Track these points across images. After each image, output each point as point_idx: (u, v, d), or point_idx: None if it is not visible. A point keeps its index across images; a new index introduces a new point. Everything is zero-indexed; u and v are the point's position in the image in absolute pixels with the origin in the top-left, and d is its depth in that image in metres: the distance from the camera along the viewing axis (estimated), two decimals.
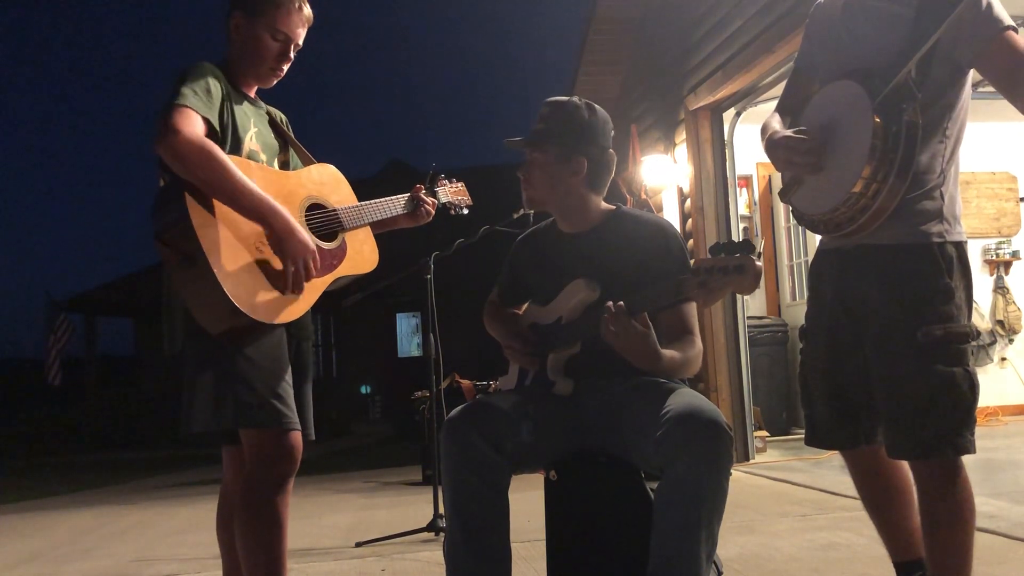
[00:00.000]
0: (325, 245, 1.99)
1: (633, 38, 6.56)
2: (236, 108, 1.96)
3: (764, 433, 5.59)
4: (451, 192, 2.45)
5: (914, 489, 1.77)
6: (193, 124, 1.78)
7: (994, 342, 6.38)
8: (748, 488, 4.31)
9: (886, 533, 1.89)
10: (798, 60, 1.99)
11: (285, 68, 2.06)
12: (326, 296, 2.00)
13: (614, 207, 2.09)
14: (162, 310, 1.98)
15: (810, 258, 3.56)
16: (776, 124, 1.89)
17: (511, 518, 1.84)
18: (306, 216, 1.99)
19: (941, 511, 1.70)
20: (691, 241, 5.46)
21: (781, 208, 6.89)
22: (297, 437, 1.94)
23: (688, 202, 5.62)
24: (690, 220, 5.56)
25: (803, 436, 1.97)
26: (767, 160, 1.87)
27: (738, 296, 5.13)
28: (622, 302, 1.74)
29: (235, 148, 1.93)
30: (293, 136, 2.19)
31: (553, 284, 2.03)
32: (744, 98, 5.22)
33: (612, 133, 2.07)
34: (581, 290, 1.95)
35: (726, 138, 5.46)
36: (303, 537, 3.80)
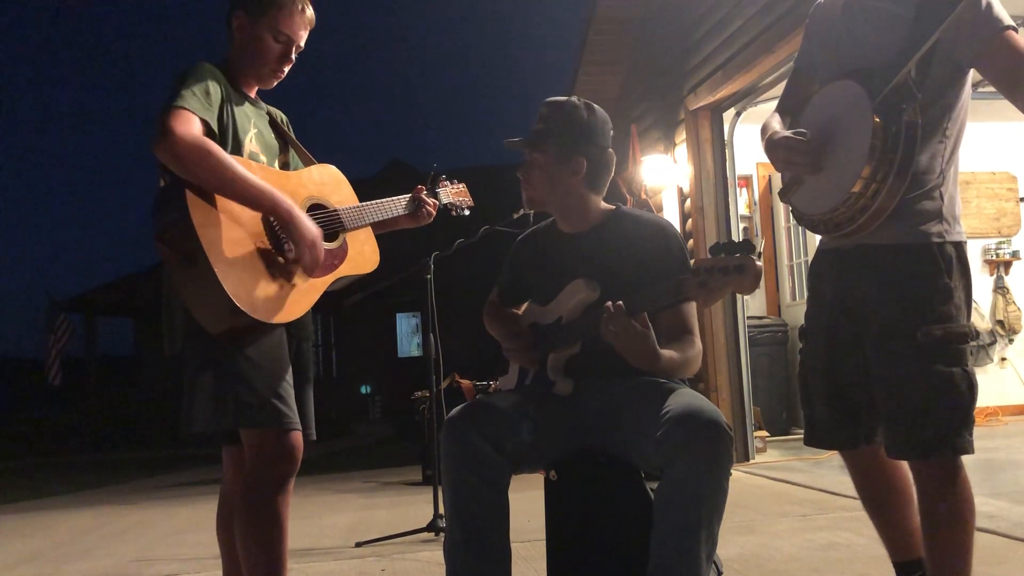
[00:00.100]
0: (326, 245, 1.98)
1: (633, 38, 6.56)
2: (236, 110, 1.96)
3: (764, 433, 5.60)
4: (452, 193, 2.45)
5: (914, 489, 1.77)
6: (190, 125, 1.78)
7: (994, 342, 6.38)
8: (748, 488, 4.31)
9: (886, 533, 1.90)
10: (798, 60, 1.99)
11: (286, 69, 2.06)
12: (326, 296, 2.01)
13: (614, 207, 2.09)
14: (162, 310, 1.98)
15: (810, 258, 3.56)
16: (776, 124, 1.89)
17: (511, 518, 1.85)
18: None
19: (941, 511, 1.70)
20: (691, 241, 5.46)
21: (781, 208, 6.89)
22: (298, 437, 1.94)
23: (688, 202, 5.62)
24: (690, 220, 5.56)
25: (803, 436, 1.97)
26: (767, 160, 1.87)
27: (738, 296, 5.13)
28: (621, 302, 1.74)
29: (235, 150, 1.92)
30: (294, 136, 2.19)
31: (553, 284, 2.03)
32: (744, 98, 5.22)
33: (612, 133, 2.07)
34: (581, 290, 1.95)
35: (726, 138, 5.47)
36: (303, 537, 3.80)
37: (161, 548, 4.03)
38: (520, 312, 2.18)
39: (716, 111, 5.47)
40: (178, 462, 9.39)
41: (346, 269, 2.04)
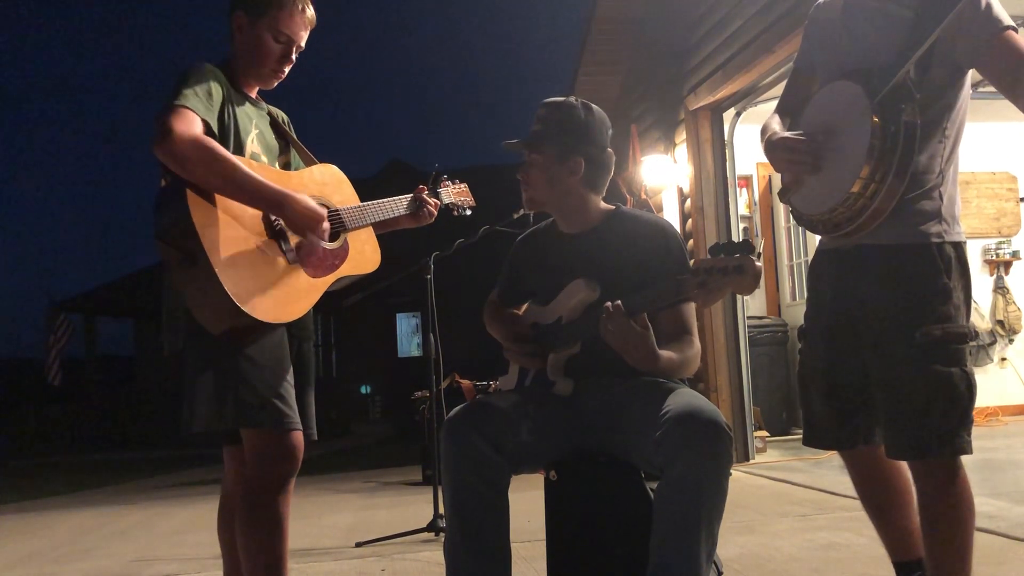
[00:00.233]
0: (327, 245, 1.98)
1: (633, 38, 6.56)
2: (238, 110, 1.96)
3: (764, 433, 5.60)
4: (454, 193, 2.45)
5: (913, 489, 1.77)
6: (190, 124, 1.77)
7: (994, 342, 6.39)
8: (748, 488, 4.32)
9: (885, 533, 1.90)
10: (798, 60, 1.99)
11: (287, 70, 2.06)
12: (327, 296, 2.01)
13: (614, 207, 2.10)
14: (163, 310, 1.98)
15: (810, 258, 3.56)
16: (776, 125, 1.89)
17: (511, 518, 1.85)
18: None
19: (940, 511, 1.70)
20: (691, 241, 5.46)
21: (781, 208, 6.89)
22: (298, 437, 1.94)
23: (688, 202, 5.63)
24: (690, 220, 5.57)
25: (802, 436, 1.97)
26: (767, 160, 1.87)
27: (738, 296, 5.13)
28: (620, 302, 1.74)
29: (237, 151, 1.92)
30: (295, 136, 2.19)
31: (553, 284, 2.03)
32: (744, 98, 5.22)
33: (610, 133, 2.07)
34: (581, 290, 1.95)
35: (726, 138, 5.47)
36: (303, 537, 3.81)
37: (161, 548, 4.03)
38: (520, 312, 2.18)
39: (716, 111, 5.48)
40: (178, 462, 9.40)
41: (347, 269, 2.04)
